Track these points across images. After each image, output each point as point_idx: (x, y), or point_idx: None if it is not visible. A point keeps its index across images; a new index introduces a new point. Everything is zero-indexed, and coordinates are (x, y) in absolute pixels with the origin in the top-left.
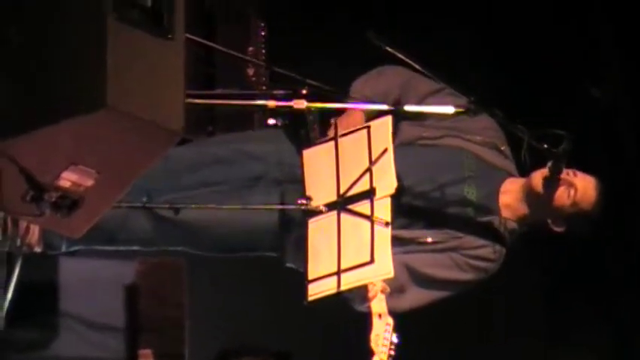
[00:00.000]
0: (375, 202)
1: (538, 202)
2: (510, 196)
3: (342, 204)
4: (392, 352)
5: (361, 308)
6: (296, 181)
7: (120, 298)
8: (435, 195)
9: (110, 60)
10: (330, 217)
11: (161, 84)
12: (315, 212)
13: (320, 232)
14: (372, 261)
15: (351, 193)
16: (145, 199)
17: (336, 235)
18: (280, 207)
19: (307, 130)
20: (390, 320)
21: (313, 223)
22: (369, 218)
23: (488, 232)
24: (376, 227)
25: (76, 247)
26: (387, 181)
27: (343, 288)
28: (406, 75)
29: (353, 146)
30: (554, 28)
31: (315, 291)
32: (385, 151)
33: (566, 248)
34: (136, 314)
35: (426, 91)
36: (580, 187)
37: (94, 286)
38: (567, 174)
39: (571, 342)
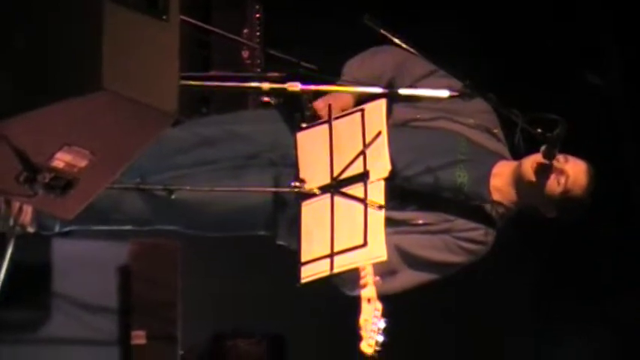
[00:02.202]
0: (369, 185)
1: (528, 188)
2: (501, 179)
3: (335, 187)
4: (380, 338)
5: (351, 293)
6: (290, 163)
7: (113, 280)
8: (427, 178)
9: (105, 42)
10: (324, 200)
11: (156, 66)
12: (309, 195)
13: (313, 214)
14: (365, 244)
15: (344, 176)
16: (138, 180)
17: (329, 217)
18: (274, 190)
19: (302, 111)
20: (379, 305)
21: (307, 206)
22: (363, 201)
23: (480, 215)
24: (370, 210)
25: (69, 228)
26: (380, 165)
27: (336, 270)
28: (400, 56)
29: (347, 129)
30: (552, 13)
31: (308, 273)
32: (379, 134)
33: (558, 242)
34: (129, 296)
35: (420, 73)
36: (571, 174)
37: (87, 267)
38: (558, 160)
39: (562, 338)
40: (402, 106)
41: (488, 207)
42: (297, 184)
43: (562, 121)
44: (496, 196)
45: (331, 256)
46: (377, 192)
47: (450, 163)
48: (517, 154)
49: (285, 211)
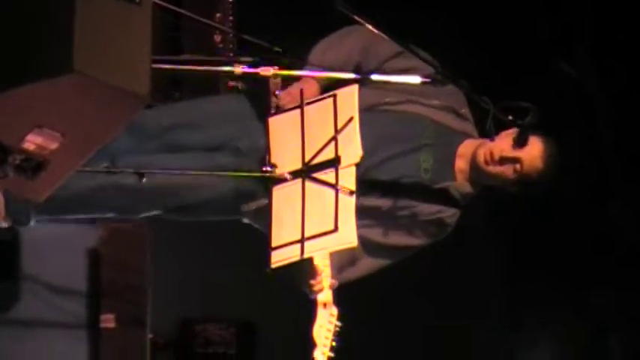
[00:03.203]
0: (340, 171)
1: (485, 175)
2: (463, 160)
3: (307, 172)
4: (334, 343)
5: (310, 296)
6: (257, 151)
7: (82, 263)
8: (391, 164)
9: (77, 24)
10: (295, 185)
11: (128, 49)
12: (280, 180)
13: (284, 199)
14: (335, 229)
15: (316, 161)
16: (107, 165)
17: (300, 202)
18: (245, 175)
19: (268, 97)
20: (335, 311)
21: (278, 191)
22: (334, 187)
23: (443, 197)
24: (341, 196)
25: (43, 219)
26: (352, 150)
27: (306, 255)
28: (367, 39)
29: (319, 114)
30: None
31: (278, 258)
32: (351, 119)
33: (528, 224)
34: (99, 279)
35: (387, 55)
36: (525, 159)
37: (56, 250)
38: (513, 145)
39: (529, 323)
40: (371, 89)
41: (452, 189)
42: (269, 168)
43: (533, 108)
44: (460, 177)
45: (302, 241)
46: (348, 177)
47: (414, 149)
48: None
49: (253, 199)
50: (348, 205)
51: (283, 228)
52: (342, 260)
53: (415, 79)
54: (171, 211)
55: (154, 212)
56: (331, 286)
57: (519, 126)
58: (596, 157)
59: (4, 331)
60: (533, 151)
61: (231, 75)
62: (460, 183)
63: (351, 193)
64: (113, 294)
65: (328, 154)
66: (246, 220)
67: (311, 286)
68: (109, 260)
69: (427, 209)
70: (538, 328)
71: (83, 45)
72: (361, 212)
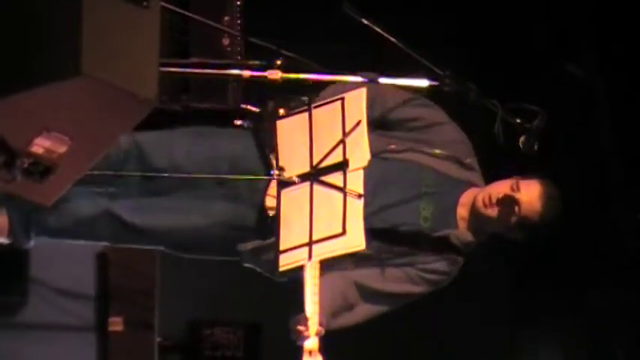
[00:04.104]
0: (348, 174)
1: (485, 220)
2: (466, 208)
3: (314, 175)
4: None
5: (297, 342)
6: (256, 193)
7: (91, 267)
8: (391, 212)
9: (85, 27)
10: (303, 188)
11: (136, 52)
12: (288, 183)
13: (292, 203)
14: (343, 233)
15: (324, 164)
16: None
17: (308, 206)
18: (254, 178)
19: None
20: (320, 359)
21: (286, 194)
22: (342, 190)
23: (444, 246)
24: (348, 199)
25: (44, 240)
26: (360, 154)
27: (314, 259)
28: (372, 90)
29: (327, 118)
30: (530, 2)
31: (287, 262)
32: (359, 123)
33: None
34: (107, 282)
35: (393, 105)
36: (524, 202)
37: (65, 254)
38: (512, 189)
39: (538, 327)
40: (377, 134)
41: (452, 237)
42: (277, 171)
43: (541, 112)
44: (462, 225)
45: (310, 244)
46: (356, 181)
47: (414, 196)
48: (497, 145)
49: (248, 239)
50: (356, 208)
51: (291, 231)
52: (335, 306)
53: (423, 82)
54: (169, 248)
55: (151, 247)
56: (318, 333)
57: (527, 129)
58: (599, 160)
59: (12, 334)
60: (531, 193)
61: (239, 79)
62: (461, 231)
63: (359, 196)
64: (121, 297)
65: (336, 157)
66: (246, 264)
67: (300, 331)
68: (117, 263)
69: (426, 257)
70: (542, 333)
71: (91, 48)
72: (359, 258)
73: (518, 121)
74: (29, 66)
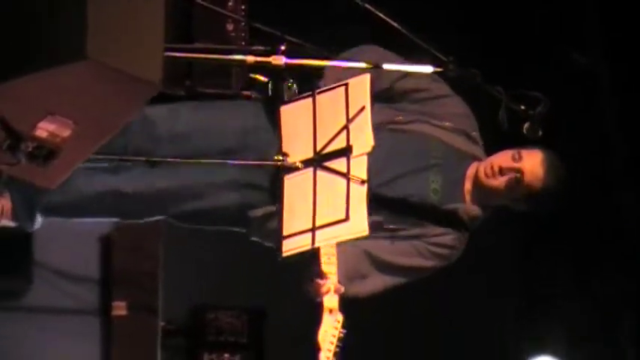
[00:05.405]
0: (352, 160)
1: (487, 190)
2: (470, 181)
3: (318, 161)
4: (337, 349)
5: (315, 299)
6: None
7: (95, 250)
8: (399, 183)
9: (90, 11)
10: (306, 174)
11: (140, 36)
12: (292, 169)
13: (296, 188)
14: (347, 218)
15: (327, 150)
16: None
17: (311, 191)
18: (257, 163)
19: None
20: (340, 317)
21: (289, 180)
22: (345, 176)
23: (452, 219)
24: (352, 185)
25: (50, 219)
26: (363, 139)
27: (317, 244)
28: (380, 58)
29: (330, 103)
30: None
31: (290, 247)
32: (362, 109)
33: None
34: (111, 266)
35: (399, 75)
36: (527, 170)
37: (69, 237)
38: (513, 158)
39: (539, 314)
40: (382, 107)
41: (460, 211)
42: (280, 157)
43: (545, 98)
44: (469, 199)
45: (313, 230)
46: (359, 167)
47: (423, 168)
48: (501, 132)
49: (257, 207)
50: (360, 194)
51: (295, 217)
52: (349, 271)
53: (427, 69)
54: (173, 217)
55: (157, 217)
56: (337, 291)
57: (531, 116)
58: (602, 147)
59: (16, 318)
60: (534, 161)
61: (242, 64)
62: (469, 205)
63: (363, 182)
64: (125, 281)
65: (340, 143)
66: (254, 238)
67: (318, 285)
68: (121, 247)
69: (435, 230)
70: (548, 319)
71: (96, 32)
72: (370, 228)
73: (522, 107)
74: (34, 50)
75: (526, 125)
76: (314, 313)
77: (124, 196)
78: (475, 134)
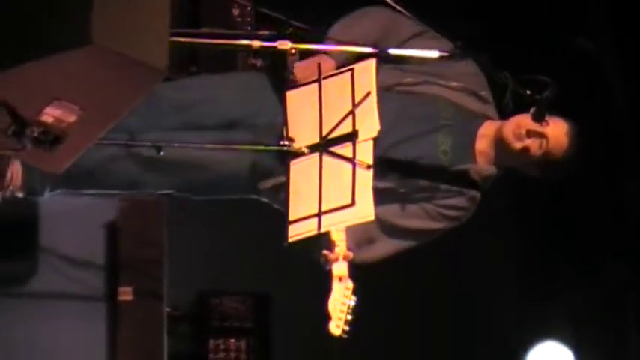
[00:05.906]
0: (358, 145)
1: (509, 151)
2: (485, 141)
3: (324, 146)
4: (349, 317)
5: (325, 267)
6: (274, 129)
7: (101, 236)
8: (409, 145)
9: None
10: (312, 159)
11: (146, 22)
12: (298, 154)
13: (302, 173)
14: (353, 204)
15: (333, 135)
16: (127, 138)
17: (317, 177)
18: (262, 149)
19: (287, 73)
20: (350, 284)
21: (295, 165)
22: (351, 161)
23: (462, 180)
24: (358, 170)
25: (58, 191)
26: (369, 124)
27: (323, 230)
28: (388, 18)
29: (336, 88)
30: None
31: (296, 232)
32: (368, 94)
33: (545, 204)
34: (117, 252)
35: (408, 34)
36: (551, 137)
37: (75, 223)
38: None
39: (545, 298)
40: (389, 68)
41: (471, 171)
42: (286, 142)
43: (552, 83)
44: (480, 159)
45: (319, 215)
46: (365, 152)
47: (432, 130)
48: (505, 116)
49: (269, 177)
50: (366, 179)
51: (301, 202)
52: (357, 237)
53: (433, 54)
54: (185, 189)
55: (166, 191)
56: (346, 257)
57: (537, 100)
58: (609, 134)
59: (22, 304)
60: (558, 129)
61: (249, 51)
62: (481, 165)
63: (369, 167)
64: (131, 267)
65: (346, 128)
66: (264, 199)
67: (325, 255)
68: (127, 233)
69: (445, 192)
70: (553, 303)
71: (102, 18)
72: (378, 193)
73: (529, 92)
74: (40, 35)
75: (532, 110)
76: (320, 296)
77: (136, 160)
78: (485, 93)
